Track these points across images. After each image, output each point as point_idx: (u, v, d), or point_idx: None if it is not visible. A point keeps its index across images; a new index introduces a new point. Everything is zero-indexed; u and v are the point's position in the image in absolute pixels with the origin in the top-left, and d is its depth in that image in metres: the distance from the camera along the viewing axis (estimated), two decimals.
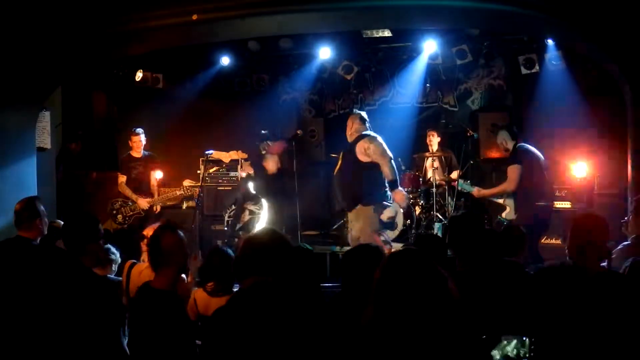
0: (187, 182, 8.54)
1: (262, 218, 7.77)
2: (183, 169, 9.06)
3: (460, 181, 7.01)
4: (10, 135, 6.32)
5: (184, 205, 8.61)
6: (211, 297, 4.07)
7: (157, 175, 7.83)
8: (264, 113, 9.25)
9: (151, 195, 7.73)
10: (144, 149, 7.81)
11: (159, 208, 7.80)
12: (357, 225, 6.23)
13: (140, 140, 7.70)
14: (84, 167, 8.94)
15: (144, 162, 7.77)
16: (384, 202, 6.26)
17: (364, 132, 6.31)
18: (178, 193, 7.87)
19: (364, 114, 6.57)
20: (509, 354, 1.45)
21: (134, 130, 7.76)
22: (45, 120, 7.04)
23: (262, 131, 8.04)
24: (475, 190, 6.76)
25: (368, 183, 6.19)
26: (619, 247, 4.18)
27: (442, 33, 8.42)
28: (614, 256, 3.90)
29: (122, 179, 7.73)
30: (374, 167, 6.16)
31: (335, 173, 6.55)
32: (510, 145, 6.40)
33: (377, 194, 6.23)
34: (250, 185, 7.90)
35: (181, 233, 3.23)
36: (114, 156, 9.53)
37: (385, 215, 6.26)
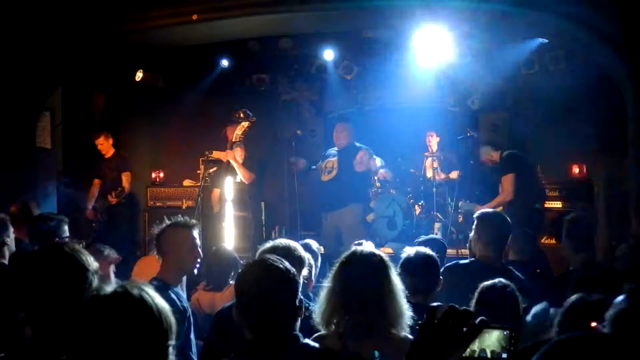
0: (187, 182, 8.53)
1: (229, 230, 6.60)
2: (183, 169, 9.05)
3: (460, 203, 7.06)
4: (10, 135, 6.32)
5: (184, 205, 8.60)
6: (214, 292, 4.15)
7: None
8: (264, 113, 9.24)
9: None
10: (117, 147, 7.77)
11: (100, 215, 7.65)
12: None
13: (102, 141, 7.64)
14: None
15: (108, 162, 7.75)
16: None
17: (357, 144, 7.27)
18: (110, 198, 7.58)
19: None
20: (488, 347, 1.45)
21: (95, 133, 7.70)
22: (45, 120, 7.04)
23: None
24: (476, 208, 6.77)
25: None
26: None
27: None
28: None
29: (96, 182, 7.73)
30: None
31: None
32: (496, 156, 6.52)
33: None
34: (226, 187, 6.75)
35: (192, 232, 3.43)
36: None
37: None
